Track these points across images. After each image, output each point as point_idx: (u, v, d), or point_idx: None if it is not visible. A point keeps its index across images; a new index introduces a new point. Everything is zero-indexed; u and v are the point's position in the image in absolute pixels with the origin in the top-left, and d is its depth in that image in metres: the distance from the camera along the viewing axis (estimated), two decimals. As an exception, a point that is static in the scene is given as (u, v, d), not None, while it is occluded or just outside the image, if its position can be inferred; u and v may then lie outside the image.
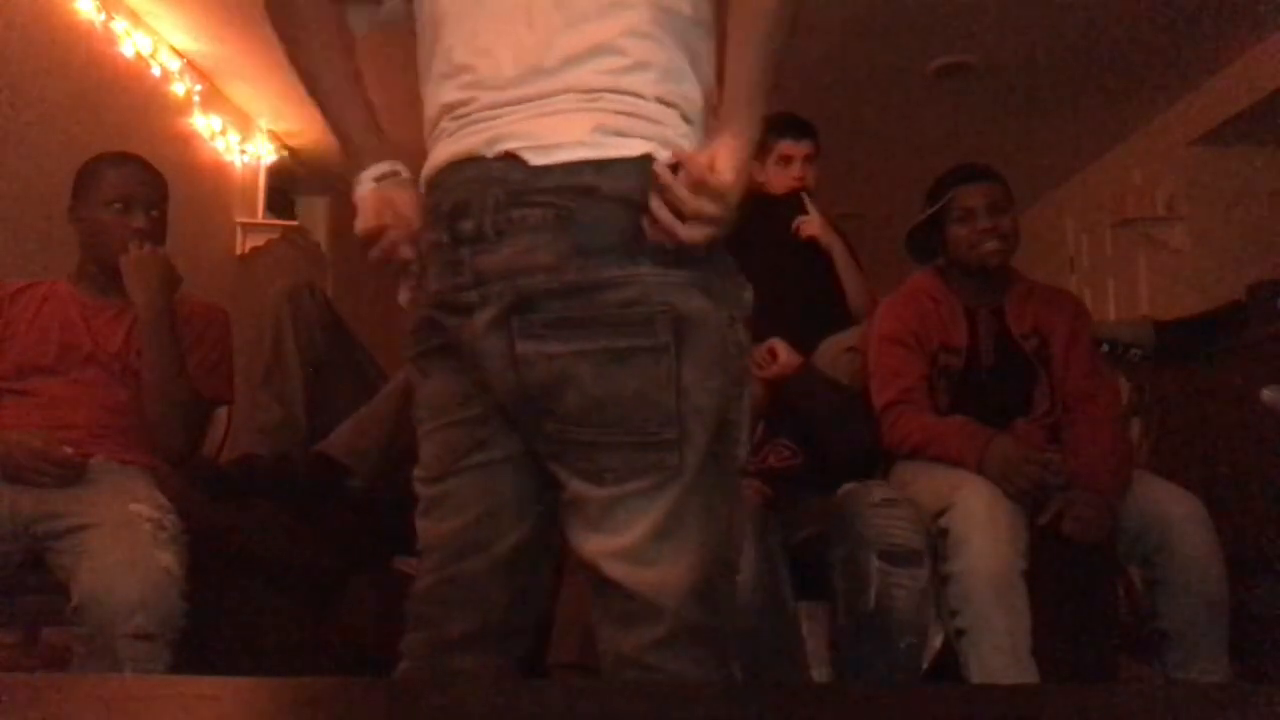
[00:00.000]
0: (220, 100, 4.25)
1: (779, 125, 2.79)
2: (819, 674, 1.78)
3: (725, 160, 1.04)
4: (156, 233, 1.98)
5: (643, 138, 1.06)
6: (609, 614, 1.06)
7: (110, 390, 1.92)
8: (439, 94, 1.14)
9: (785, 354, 2.10)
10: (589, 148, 1.04)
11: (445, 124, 1.14)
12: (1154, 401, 2.77)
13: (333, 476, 2.09)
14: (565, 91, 1.06)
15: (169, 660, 1.56)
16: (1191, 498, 1.89)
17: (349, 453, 2.10)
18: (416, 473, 1.18)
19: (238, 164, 4.45)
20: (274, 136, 4.70)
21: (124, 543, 1.60)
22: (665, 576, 1.03)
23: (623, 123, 1.05)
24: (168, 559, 1.60)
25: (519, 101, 1.07)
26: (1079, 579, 1.95)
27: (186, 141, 4.00)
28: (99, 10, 3.36)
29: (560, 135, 1.05)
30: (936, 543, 1.78)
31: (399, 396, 2.11)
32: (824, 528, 1.83)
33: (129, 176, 1.99)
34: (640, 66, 1.07)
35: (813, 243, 2.71)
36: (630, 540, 1.03)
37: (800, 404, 2.09)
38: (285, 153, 4.80)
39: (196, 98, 4.02)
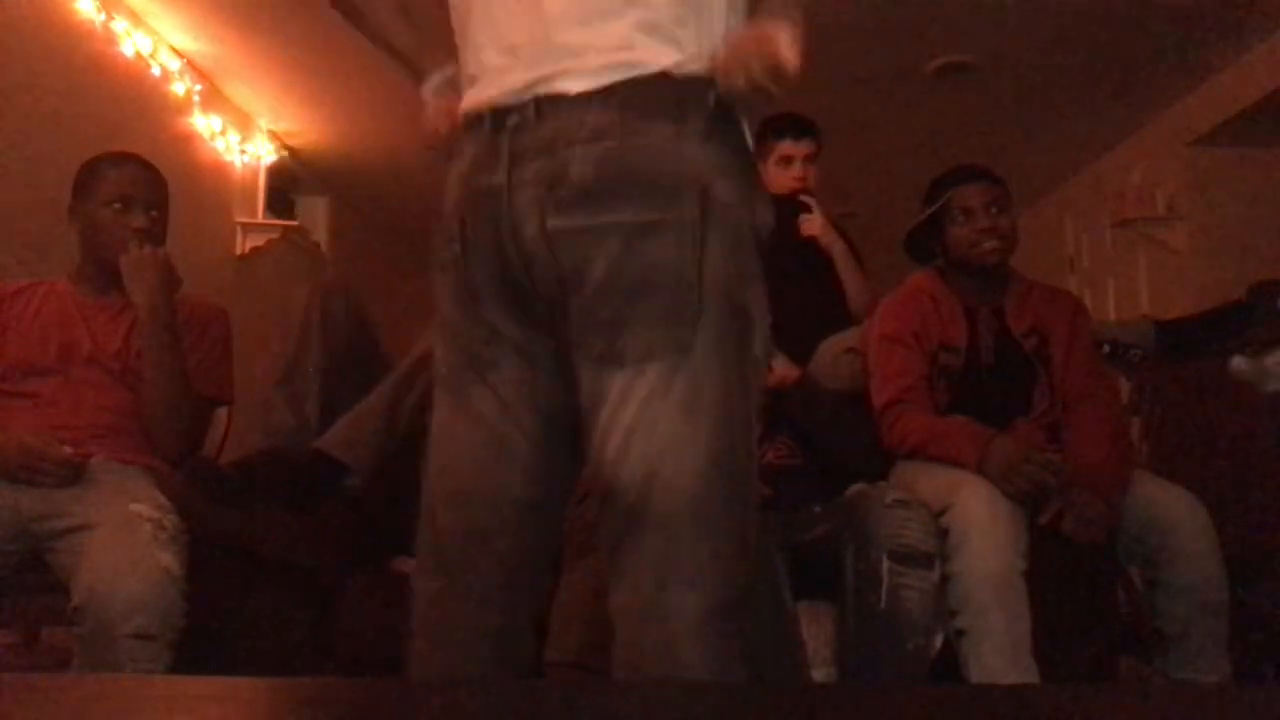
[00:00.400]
0: (220, 100, 4.25)
1: (779, 125, 2.79)
2: (820, 674, 1.77)
3: (781, 36, 1.05)
4: (156, 233, 1.98)
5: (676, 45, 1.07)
6: (615, 521, 1.03)
7: (110, 390, 1.92)
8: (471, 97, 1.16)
9: (782, 367, 2.10)
10: (629, 52, 1.05)
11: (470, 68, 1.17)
12: (1154, 401, 2.78)
13: (331, 474, 2.08)
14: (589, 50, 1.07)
15: (169, 660, 1.56)
16: (1191, 498, 1.88)
17: (346, 448, 2.08)
18: (436, 370, 1.18)
19: (238, 164, 4.46)
20: (274, 136, 4.70)
21: (124, 543, 1.59)
22: (676, 473, 1.00)
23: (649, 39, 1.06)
24: (168, 559, 1.60)
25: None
26: (1079, 579, 1.95)
27: (186, 141, 4.01)
28: (99, 10, 3.36)
29: (612, 59, 1.05)
30: (937, 543, 1.78)
31: (394, 388, 2.09)
32: (834, 528, 1.82)
33: (129, 176, 1.99)
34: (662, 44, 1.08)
35: (813, 243, 2.71)
36: (639, 441, 1.01)
37: (799, 415, 2.09)
38: (285, 153, 4.80)
39: (196, 98, 4.02)
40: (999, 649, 1.68)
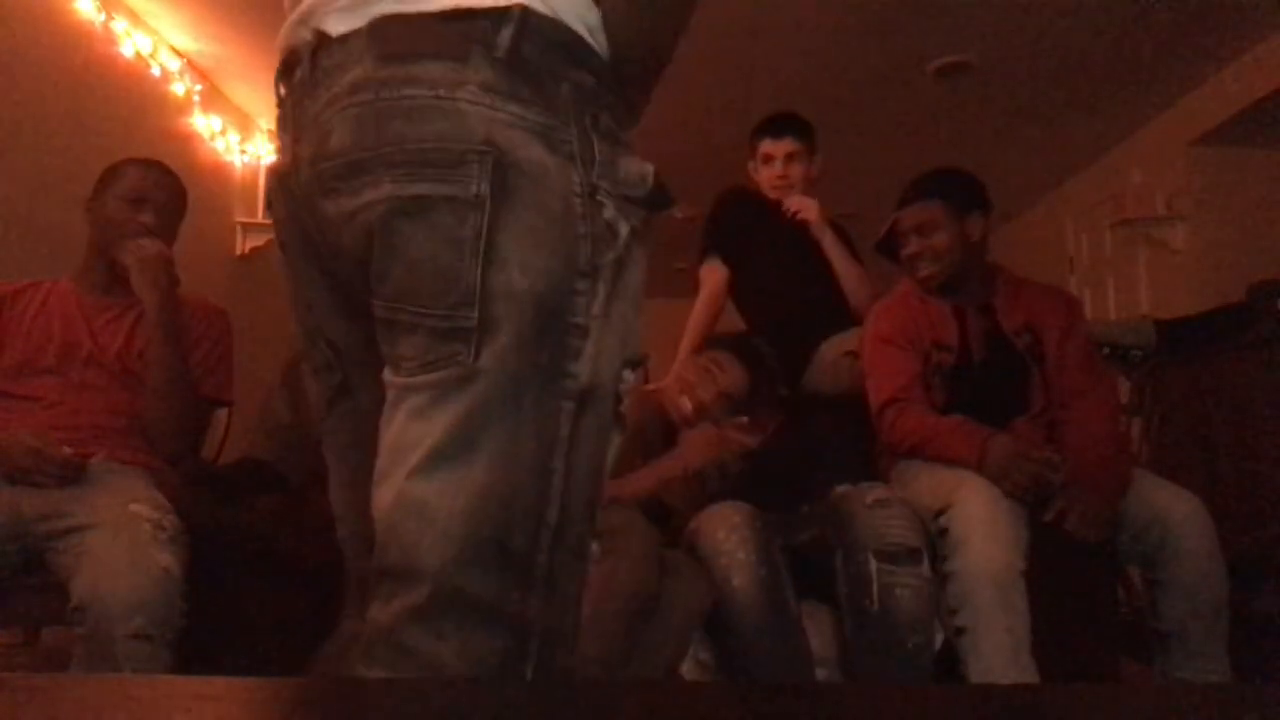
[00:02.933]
0: (220, 100, 4.25)
1: (761, 124, 2.82)
2: (822, 674, 1.77)
3: None
4: (164, 233, 2.00)
5: None
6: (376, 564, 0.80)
7: (111, 391, 1.92)
8: None
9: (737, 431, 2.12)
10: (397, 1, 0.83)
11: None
12: (1154, 401, 2.77)
13: (272, 477, 2.06)
14: None
15: (168, 660, 1.56)
16: (1192, 497, 1.88)
17: (269, 451, 2.07)
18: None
19: (238, 164, 4.45)
20: (274, 136, 4.70)
21: (124, 543, 1.60)
22: (430, 528, 0.76)
23: None
24: (167, 559, 1.60)
25: None
26: (1079, 579, 1.95)
27: (186, 141, 4.01)
28: (99, 10, 3.36)
29: None
30: (936, 542, 1.78)
31: (286, 380, 2.09)
32: (823, 530, 1.83)
33: (148, 176, 2.02)
34: None
35: (811, 239, 2.71)
36: (396, 475, 0.78)
37: (798, 420, 2.12)
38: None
39: (196, 98, 4.02)
40: (999, 648, 1.68)
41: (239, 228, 4.48)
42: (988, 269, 2.18)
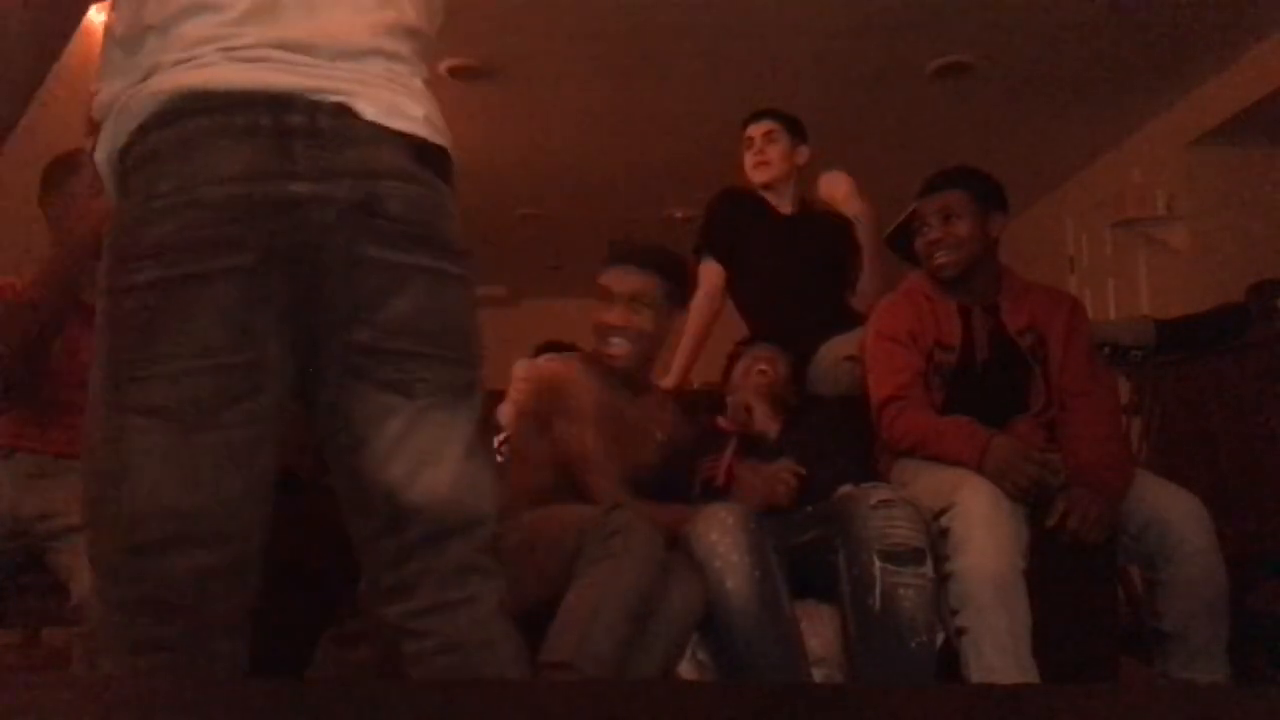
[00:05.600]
0: (220, 100, 4.25)
1: (746, 118, 2.86)
2: (822, 674, 1.77)
3: None
4: None
5: (444, 135, 1.16)
6: (409, 538, 1.11)
7: None
8: (195, 26, 1.07)
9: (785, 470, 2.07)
10: (422, 128, 1.12)
11: (208, 54, 1.06)
12: (1154, 401, 2.77)
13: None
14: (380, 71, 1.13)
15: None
16: (1191, 497, 1.88)
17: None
18: (147, 420, 1.01)
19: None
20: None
21: None
22: (481, 489, 1.14)
23: (437, 119, 1.15)
24: None
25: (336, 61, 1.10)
26: (1079, 579, 1.95)
27: (186, 141, 4.00)
28: (99, 10, 3.36)
29: (397, 108, 1.11)
30: (936, 542, 1.78)
31: None
32: (825, 531, 1.82)
33: None
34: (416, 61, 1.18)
35: (808, 237, 2.71)
36: (446, 460, 1.11)
37: (800, 423, 2.13)
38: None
39: (196, 98, 4.02)
40: (1001, 648, 1.68)
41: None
42: (996, 270, 2.18)
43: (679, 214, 5.81)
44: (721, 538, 1.73)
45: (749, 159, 2.84)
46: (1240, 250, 4.20)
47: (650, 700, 0.61)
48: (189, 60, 1.05)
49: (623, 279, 2.00)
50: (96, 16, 3.09)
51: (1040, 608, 1.72)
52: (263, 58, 1.05)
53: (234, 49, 1.05)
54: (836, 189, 2.75)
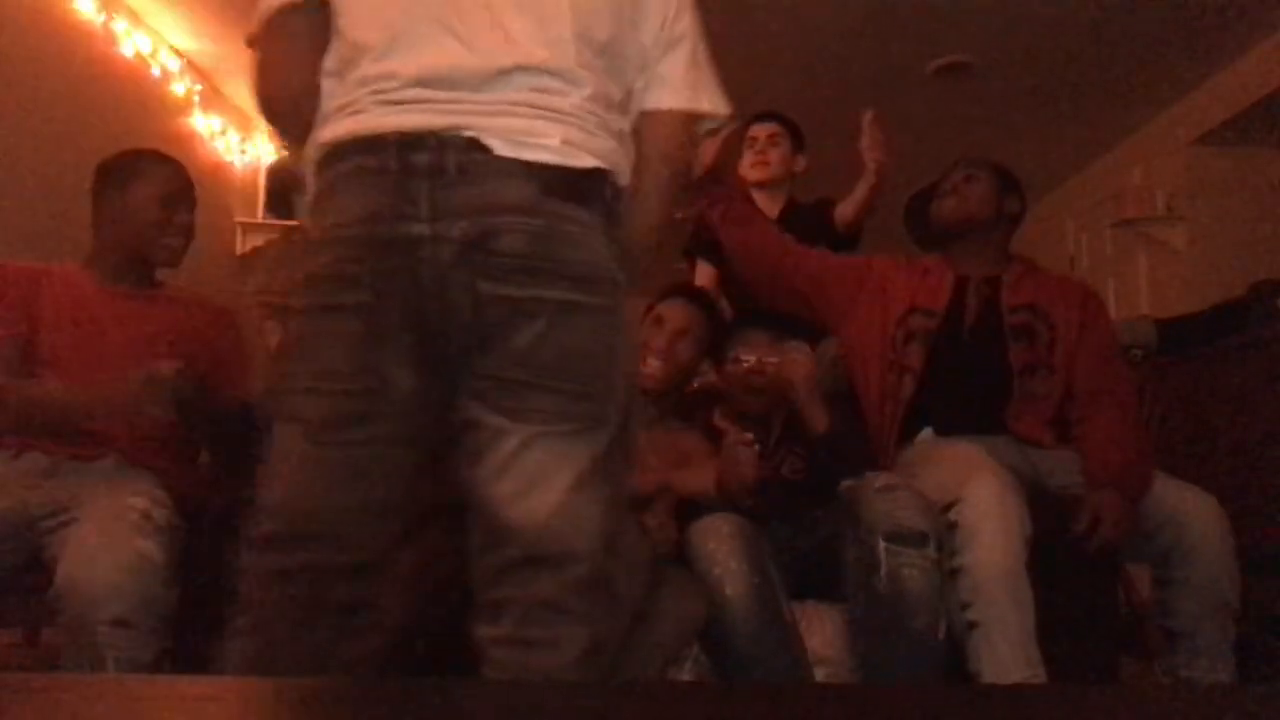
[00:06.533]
0: (220, 100, 4.25)
1: (750, 118, 2.87)
2: (823, 674, 1.77)
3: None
4: (192, 232, 2.00)
5: (594, 154, 1.16)
6: (505, 558, 1.10)
7: None
8: (359, 70, 1.16)
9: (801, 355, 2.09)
10: (557, 155, 1.13)
11: (362, 100, 1.15)
12: (1154, 401, 2.77)
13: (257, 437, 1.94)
14: (524, 102, 1.13)
15: (155, 650, 1.54)
16: (1208, 498, 1.85)
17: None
18: (292, 426, 1.14)
19: (238, 164, 4.46)
20: (274, 136, 4.70)
21: (106, 532, 1.58)
22: (582, 525, 1.10)
23: (582, 139, 1.15)
24: (149, 547, 1.58)
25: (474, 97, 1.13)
26: (1079, 579, 1.94)
27: (186, 141, 4.01)
28: (99, 10, 3.36)
29: (531, 136, 1.12)
30: (944, 536, 1.77)
31: None
32: (836, 526, 1.82)
33: (178, 175, 1.99)
34: (581, 88, 1.16)
35: (800, 233, 2.72)
36: (551, 487, 1.09)
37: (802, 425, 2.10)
38: (285, 153, 4.80)
39: (196, 98, 4.02)
40: (1013, 641, 1.67)
41: (238, 228, 4.48)
42: (1006, 253, 2.17)
43: (678, 214, 5.81)
44: (719, 546, 1.73)
45: (748, 157, 2.85)
46: (1240, 250, 4.19)
47: (650, 700, 0.61)
48: (347, 107, 1.15)
49: (677, 312, 2.14)
50: (97, 17, 3.08)
51: (1040, 607, 1.72)
52: (400, 100, 1.12)
53: (381, 91, 1.13)
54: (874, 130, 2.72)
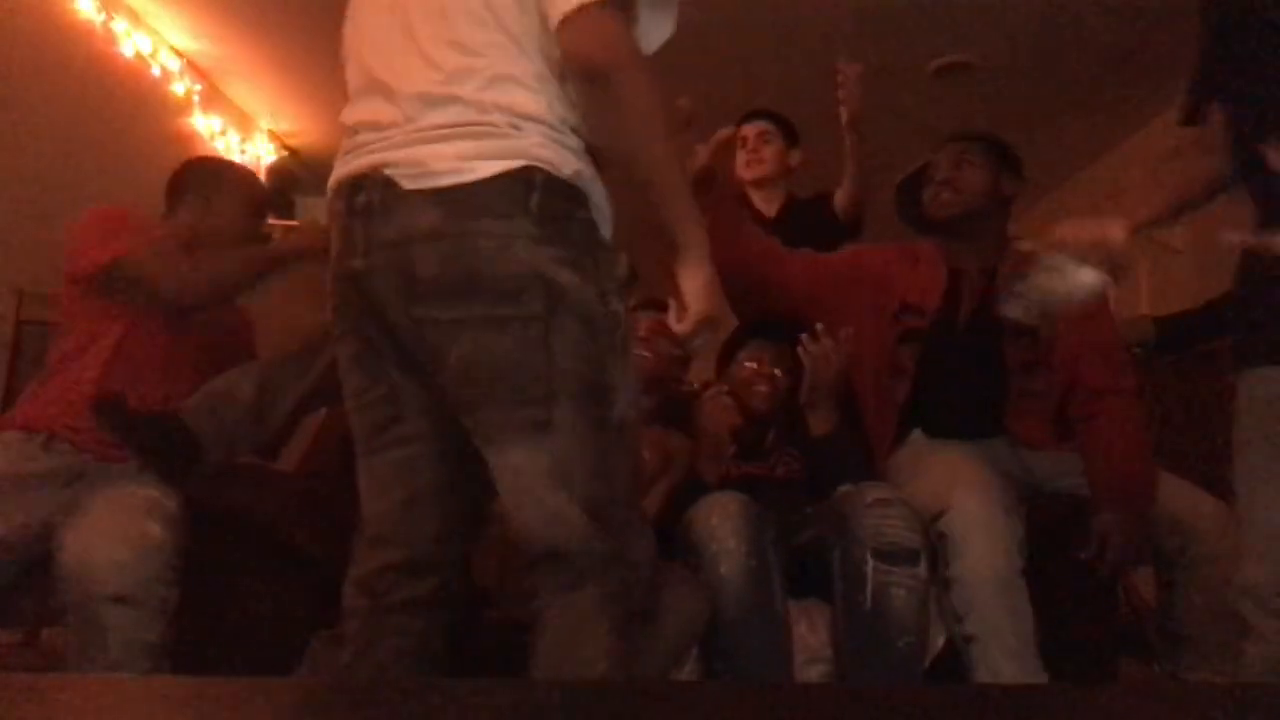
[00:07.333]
0: (220, 100, 4.25)
1: (741, 118, 2.87)
2: (821, 671, 1.77)
3: (690, 294, 1.27)
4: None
5: (499, 156, 1.17)
6: (529, 557, 1.20)
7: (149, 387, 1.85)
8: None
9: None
10: (452, 175, 1.17)
11: (345, 148, 1.29)
12: (1154, 401, 2.77)
13: (187, 448, 1.78)
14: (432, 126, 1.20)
15: (160, 631, 1.54)
16: (1216, 502, 1.82)
17: (207, 427, 1.80)
18: (356, 446, 1.32)
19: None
20: (274, 136, 4.70)
21: (112, 514, 1.60)
22: (570, 526, 1.16)
23: (482, 147, 1.17)
24: (154, 528, 1.59)
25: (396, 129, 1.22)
26: (1079, 579, 1.94)
27: (186, 141, 4.00)
28: (99, 10, 3.36)
29: (430, 162, 1.17)
30: (935, 547, 1.76)
31: (266, 377, 1.87)
32: (824, 530, 1.82)
33: (260, 187, 2.11)
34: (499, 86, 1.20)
35: (792, 240, 2.72)
36: (529, 497, 1.17)
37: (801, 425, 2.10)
38: (285, 153, 4.80)
39: (196, 98, 4.02)
40: (1010, 652, 1.65)
41: (239, 228, 4.48)
42: (1003, 237, 2.09)
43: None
44: (722, 523, 1.73)
45: (741, 157, 2.85)
46: (1240, 250, 4.19)
47: (650, 701, 0.61)
48: (342, 156, 1.28)
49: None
50: (97, 17, 3.10)
51: (1040, 608, 1.71)
52: (355, 146, 1.24)
53: (351, 139, 1.26)
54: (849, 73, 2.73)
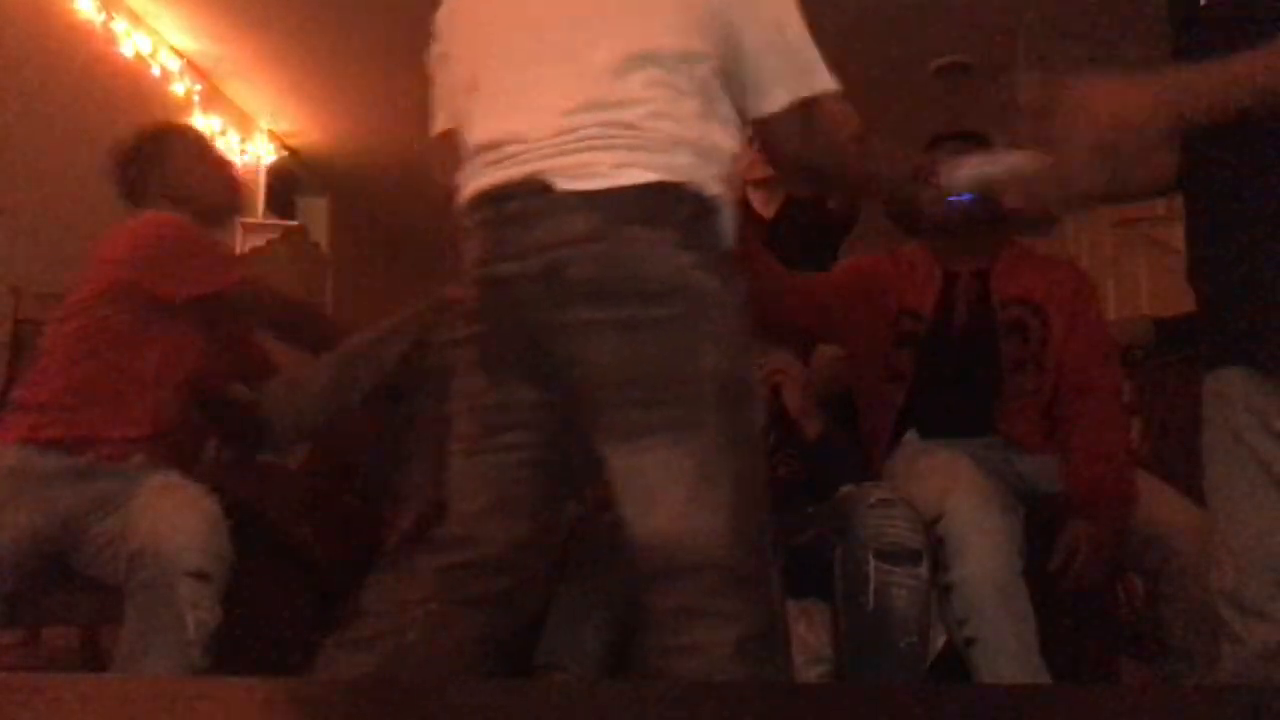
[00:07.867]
0: (220, 100, 4.25)
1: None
2: (822, 671, 1.77)
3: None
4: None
5: (656, 170, 1.21)
6: (643, 573, 1.18)
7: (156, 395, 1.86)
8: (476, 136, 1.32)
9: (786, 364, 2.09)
10: (609, 179, 1.20)
11: (475, 164, 1.31)
12: (1154, 401, 2.77)
13: (254, 430, 1.91)
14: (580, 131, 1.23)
15: (218, 608, 1.59)
16: (1196, 513, 1.81)
17: (275, 406, 1.88)
18: (454, 445, 1.32)
19: (238, 164, 4.45)
20: (274, 136, 4.70)
21: (175, 494, 1.66)
22: (705, 532, 1.14)
23: (639, 158, 1.21)
24: (215, 507, 1.65)
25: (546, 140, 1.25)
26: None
27: (186, 141, 4.00)
28: (99, 10, 3.36)
29: (587, 168, 1.21)
30: (935, 550, 1.75)
31: (347, 365, 1.91)
32: (825, 530, 1.82)
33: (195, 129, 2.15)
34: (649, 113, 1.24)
35: (790, 241, 2.71)
36: (666, 501, 1.15)
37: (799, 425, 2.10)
38: (285, 153, 4.80)
39: (196, 98, 4.02)
40: (1011, 654, 1.64)
41: (239, 228, 4.47)
42: (997, 240, 2.05)
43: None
44: None
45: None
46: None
47: (650, 701, 0.61)
48: (471, 169, 1.31)
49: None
50: (97, 17, 3.09)
51: (1040, 609, 1.71)
52: (501, 158, 1.26)
53: (493, 152, 1.28)
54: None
